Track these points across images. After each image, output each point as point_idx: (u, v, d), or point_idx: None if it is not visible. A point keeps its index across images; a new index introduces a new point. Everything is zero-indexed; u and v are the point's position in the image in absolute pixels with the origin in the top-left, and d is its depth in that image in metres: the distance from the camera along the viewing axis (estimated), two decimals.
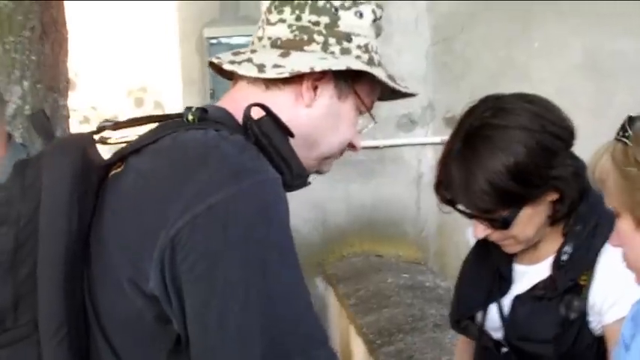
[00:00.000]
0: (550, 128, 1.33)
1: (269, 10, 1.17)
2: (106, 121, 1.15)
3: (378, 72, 1.15)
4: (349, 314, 3.64)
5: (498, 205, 1.32)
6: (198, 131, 1.02)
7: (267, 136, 1.03)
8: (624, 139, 1.08)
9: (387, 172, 4.53)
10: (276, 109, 1.08)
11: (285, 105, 1.12)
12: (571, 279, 1.36)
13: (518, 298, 1.42)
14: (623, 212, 1.10)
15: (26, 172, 1.04)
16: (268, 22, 1.16)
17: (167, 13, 5.59)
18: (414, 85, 4.65)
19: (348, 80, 1.14)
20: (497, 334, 1.47)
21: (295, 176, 1.06)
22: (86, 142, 1.10)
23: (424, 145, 4.54)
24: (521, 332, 1.40)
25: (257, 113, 1.05)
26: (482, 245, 1.52)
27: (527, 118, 1.33)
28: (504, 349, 1.47)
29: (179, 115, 1.08)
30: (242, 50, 1.16)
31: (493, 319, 1.46)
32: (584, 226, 1.37)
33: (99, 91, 7.14)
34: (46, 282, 0.97)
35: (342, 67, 1.11)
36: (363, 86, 1.17)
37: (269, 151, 1.03)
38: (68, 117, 3.06)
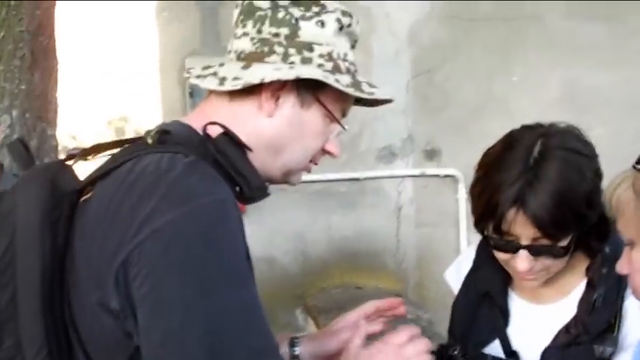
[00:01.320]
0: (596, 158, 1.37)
1: (235, 24, 1.22)
2: (74, 149, 1.21)
3: (336, 80, 1.17)
4: None
5: (568, 229, 1.31)
6: (155, 155, 1.07)
7: (224, 153, 1.10)
8: None
9: (368, 203, 4.53)
10: (240, 120, 1.15)
11: (248, 115, 1.17)
12: (605, 321, 1.36)
13: (545, 351, 1.41)
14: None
15: (2, 204, 1.09)
16: (235, 36, 1.21)
17: (148, 44, 5.59)
18: (393, 118, 4.62)
19: (310, 89, 1.17)
20: None
21: (254, 189, 1.12)
22: (55, 169, 1.14)
23: (404, 177, 4.55)
24: None
25: (217, 130, 1.11)
26: (469, 284, 1.54)
27: (582, 145, 1.37)
28: None
29: (141, 138, 1.14)
30: (212, 64, 1.21)
31: (497, 353, 1.47)
32: (610, 269, 1.36)
33: (79, 120, 7.12)
34: (26, 307, 1.02)
35: (291, 77, 1.14)
36: (328, 94, 1.19)
37: (226, 168, 1.09)
38: (57, 147, 3.04)
